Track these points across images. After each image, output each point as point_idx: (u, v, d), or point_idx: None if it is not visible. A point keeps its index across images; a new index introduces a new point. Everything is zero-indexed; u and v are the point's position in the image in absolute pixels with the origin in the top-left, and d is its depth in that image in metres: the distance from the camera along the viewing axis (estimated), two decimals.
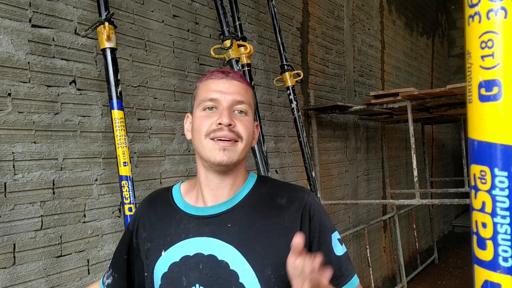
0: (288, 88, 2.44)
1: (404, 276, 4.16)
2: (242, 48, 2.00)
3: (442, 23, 7.13)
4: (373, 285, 3.71)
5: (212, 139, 0.85)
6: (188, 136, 0.95)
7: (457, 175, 6.69)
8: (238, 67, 1.87)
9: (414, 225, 4.85)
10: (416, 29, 5.79)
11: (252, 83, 2.14)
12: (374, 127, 4.38)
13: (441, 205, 6.09)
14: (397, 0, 5.11)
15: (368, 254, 3.65)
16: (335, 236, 0.92)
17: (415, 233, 4.88)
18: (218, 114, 0.86)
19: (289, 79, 2.42)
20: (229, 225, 0.87)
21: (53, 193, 1.54)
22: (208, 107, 0.88)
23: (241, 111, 0.89)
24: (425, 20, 6.22)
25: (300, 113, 2.48)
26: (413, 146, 2.84)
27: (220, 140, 0.85)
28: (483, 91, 0.40)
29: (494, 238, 0.40)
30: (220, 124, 0.84)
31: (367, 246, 3.66)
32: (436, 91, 2.76)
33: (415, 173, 2.81)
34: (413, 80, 5.57)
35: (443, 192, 4.53)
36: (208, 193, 0.91)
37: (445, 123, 5.61)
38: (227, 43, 1.86)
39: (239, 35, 2.09)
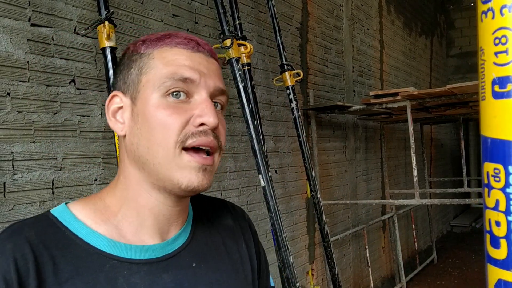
0: (287, 88, 2.44)
1: (403, 276, 4.16)
2: (242, 48, 2.00)
3: (440, 23, 7.15)
4: (372, 285, 3.71)
5: (186, 149, 0.54)
6: (121, 129, 0.58)
7: (456, 175, 6.70)
8: (238, 67, 1.86)
9: (413, 225, 4.85)
10: (415, 29, 5.80)
11: (252, 83, 2.14)
12: (373, 127, 4.38)
13: (439, 205, 6.09)
14: (396, 0, 5.12)
15: (367, 254, 3.65)
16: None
17: (414, 233, 4.88)
18: (196, 107, 0.55)
19: (288, 79, 2.42)
20: (194, 264, 0.60)
21: (53, 193, 1.53)
22: (175, 92, 0.55)
23: (219, 106, 0.60)
24: (424, 20, 6.23)
25: (299, 113, 2.47)
26: (413, 146, 2.83)
27: (198, 152, 0.54)
28: (496, 88, 0.39)
29: (508, 237, 0.39)
30: (202, 124, 0.54)
31: (366, 246, 3.66)
32: (436, 91, 2.76)
33: (415, 173, 2.81)
34: (411, 80, 5.57)
35: (442, 192, 4.53)
36: (159, 223, 0.59)
37: (444, 123, 5.63)
38: (227, 42, 1.86)
39: (239, 35, 2.09)
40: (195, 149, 0.55)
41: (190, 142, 0.54)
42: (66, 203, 0.59)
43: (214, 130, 0.56)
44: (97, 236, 0.55)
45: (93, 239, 0.55)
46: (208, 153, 0.56)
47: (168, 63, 0.56)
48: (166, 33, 0.60)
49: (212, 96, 0.58)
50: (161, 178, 0.55)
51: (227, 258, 0.65)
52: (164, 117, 0.54)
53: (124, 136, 0.59)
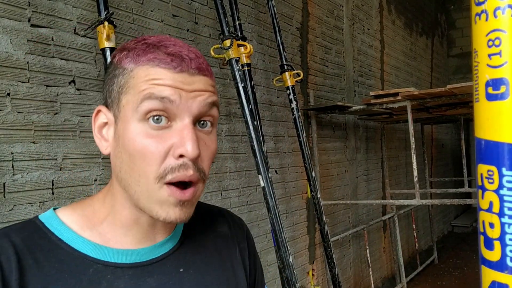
0: (288, 88, 2.44)
1: (403, 276, 4.16)
2: (242, 48, 2.00)
3: (441, 23, 7.14)
4: (372, 285, 3.71)
5: (167, 183, 0.52)
6: (106, 148, 0.58)
7: (457, 175, 6.70)
8: (238, 67, 1.86)
9: (413, 226, 4.85)
10: (416, 29, 5.79)
11: (252, 83, 2.14)
12: (374, 127, 4.38)
13: (440, 205, 6.09)
14: (397, 0, 5.11)
15: (368, 255, 3.64)
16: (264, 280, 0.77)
17: (415, 234, 4.87)
18: (176, 134, 0.52)
19: (288, 79, 2.42)
20: (181, 270, 0.60)
21: (52, 193, 1.54)
22: (155, 117, 0.52)
23: (208, 124, 0.56)
24: (425, 20, 6.23)
25: (299, 113, 2.47)
26: (413, 146, 2.83)
27: (178, 187, 0.53)
28: (490, 90, 0.39)
29: (501, 239, 0.39)
30: (181, 156, 0.52)
31: (367, 247, 3.65)
32: (436, 91, 2.76)
33: (415, 173, 2.81)
34: (412, 80, 5.57)
35: (442, 192, 4.53)
36: (145, 231, 0.60)
37: (444, 123, 5.62)
38: (227, 42, 1.86)
39: (239, 35, 2.09)
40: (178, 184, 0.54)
41: (169, 178, 0.52)
42: (54, 209, 0.59)
43: (196, 159, 0.53)
44: (82, 241, 0.56)
45: (78, 243, 0.56)
46: (189, 184, 0.54)
47: (146, 83, 0.53)
48: (153, 42, 0.55)
49: (198, 117, 0.55)
50: (141, 206, 0.55)
51: (218, 265, 0.65)
52: (143, 147, 0.52)
53: (109, 154, 0.58)
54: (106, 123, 0.58)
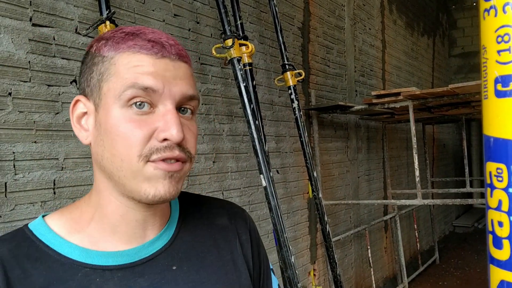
0: (289, 88, 2.43)
1: (405, 276, 4.15)
2: (243, 47, 1.99)
3: (443, 23, 7.13)
4: (374, 285, 3.70)
5: (152, 161, 0.52)
6: (86, 138, 0.58)
7: (458, 175, 6.69)
8: (240, 66, 1.86)
9: (415, 226, 4.84)
10: (417, 29, 5.78)
11: (254, 83, 2.14)
12: (375, 127, 4.37)
13: (442, 205, 6.08)
14: (398, 0, 5.10)
15: (369, 255, 3.64)
16: (270, 266, 0.75)
17: (416, 234, 4.87)
18: (160, 118, 0.52)
19: (290, 79, 2.41)
20: (174, 267, 0.59)
21: (54, 193, 1.53)
22: (137, 103, 0.52)
23: (188, 111, 0.57)
24: (426, 20, 6.22)
25: (301, 113, 2.47)
26: (415, 146, 2.82)
27: (164, 161, 0.53)
28: (499, 87, 0.39)
29: (510, 237, 0.39)
30: (165, 140, 0.52)
31: (368, 247, 3.65)
32: (438, 90, 2.75)
33: (417, 173, 2.80)
34: (414, 80, 5.56)
35: (444, 192, 4.52)
36: (133, 228, 0.58)
37: (446, 123, 5.61)
38: (229, 42, 1.85)
39: (241, 34, 2.08)
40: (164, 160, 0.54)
41: (154, 158, 0.52)
42: (43, 215, 0.59)
43: (180, 143, 0.53)
44: (69, 246, 0.55)
45: (65, 249, 0.55)
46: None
47: (129, 70, 0.52)
48: (131, 31, 0.55)
49: (179, 104, 0.55)
50: (128, 190, 0.54)
51: (216, 259, 0.64)
52: (126, 131, 0.52)
53: (90, 144, 0.58)
54: (85, 113, 0.57)
